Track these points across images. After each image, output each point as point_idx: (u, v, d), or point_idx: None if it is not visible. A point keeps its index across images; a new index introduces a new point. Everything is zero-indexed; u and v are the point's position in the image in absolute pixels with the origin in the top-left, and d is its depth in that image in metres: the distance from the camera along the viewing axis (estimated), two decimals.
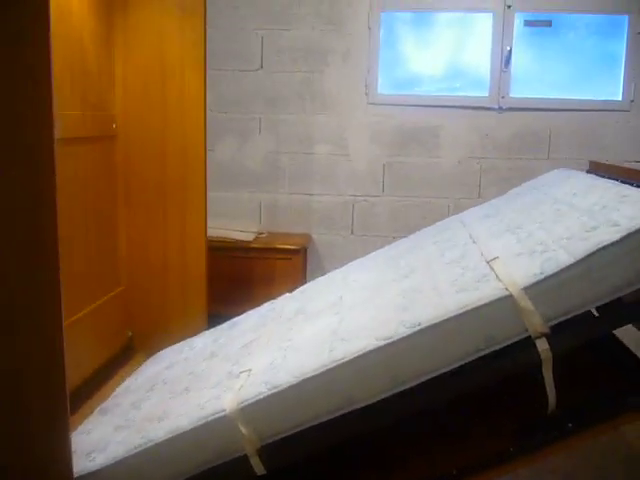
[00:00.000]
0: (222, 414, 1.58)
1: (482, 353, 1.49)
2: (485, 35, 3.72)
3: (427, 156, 3.81)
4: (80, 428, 1.96)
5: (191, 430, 1.60)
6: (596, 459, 2.59)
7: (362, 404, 1.53)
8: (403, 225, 3.73)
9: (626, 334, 1.89)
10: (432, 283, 1.76)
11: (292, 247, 3.65)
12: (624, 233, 1.43)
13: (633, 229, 1.43)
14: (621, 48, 3.68)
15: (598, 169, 2.28)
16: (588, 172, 2.33)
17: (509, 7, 3.66)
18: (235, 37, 3.79)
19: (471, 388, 1.56)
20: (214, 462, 1.59)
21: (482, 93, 3.76)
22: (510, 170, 3.71)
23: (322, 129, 3.83)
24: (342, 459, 1.82)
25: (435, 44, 3.85)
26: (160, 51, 2.80)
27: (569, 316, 1.47)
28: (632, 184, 1.76)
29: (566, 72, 3.77)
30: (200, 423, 1.60)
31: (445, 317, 1.51)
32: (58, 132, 1.41)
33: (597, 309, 1.52)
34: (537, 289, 1.47)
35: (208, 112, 2.87)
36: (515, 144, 3.75)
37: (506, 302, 1.48)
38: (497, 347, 1.49)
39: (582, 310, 1.48)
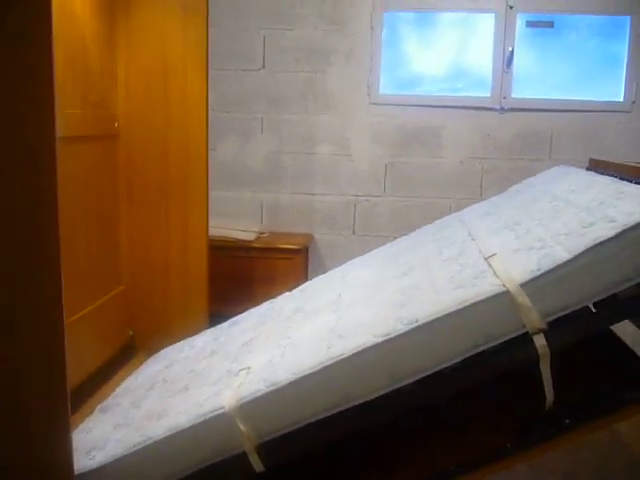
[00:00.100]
0: (221, 411, 1.59)
1: (480, 349, 1.50)
2: (487, 36, 3.72)
3: (429, 156, 3.81)
4: (80, 427, 1.96)
5: (190, 428, 1.60)
6: (596, 459, 2.59)
7: (360, 401, 1.53)
8: (405, 225, 3.73)
9: (623, 330, 1.90)
10: (430, 280, 1.76)
11: (294, 247, 3.65)
12: (620, 229, 1.43)
13: (630, 225, 1.43)
14: (623, 49, 3.68)
15: (597, 166, 2.28)
16: (588, 169, 2.33)
17: (511, 8, 3.67)
18: (237, 37, 3.79)
19: (469, 384, 1.56)
20: (213, 459, 1.60)
21: (484, 93, 3.76)
22: (512, 170, 3.71)
23: (324, 129, 3.83)
24: (341, 456, 1.83)
25: (437, 44, 3.85)
26: (162, 50, 2.80)
27: (566, 312, 1.48)
28: (631, 181, 1.76)
29: (568, 73, 3.77)
30: (199, 421, 1.60)
31: (442, 313, 1.51)
32: (60, 131, 1.42)
33: (594, 305, 1.52)
34: (534, 285, 1.47)
35: (210, 111, 2.88)
36: (517, 145, 3.75)
37: (503, 298, 1.48)
38: (495, 343, 1.49)
39: (579, 306, 1.48)
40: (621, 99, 3.70)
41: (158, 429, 1.66)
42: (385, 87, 3.81)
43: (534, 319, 1.47)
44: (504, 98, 3.74)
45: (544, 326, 1.47)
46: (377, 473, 1.79)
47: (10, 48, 1.37)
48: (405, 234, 2.59)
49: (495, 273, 1.57)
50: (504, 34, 3.69)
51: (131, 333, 2.96)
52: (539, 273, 1.48)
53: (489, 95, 3.75)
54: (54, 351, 1.46)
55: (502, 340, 1.49)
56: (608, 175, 1.97)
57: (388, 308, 1.69)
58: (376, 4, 3.73)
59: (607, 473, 2.55)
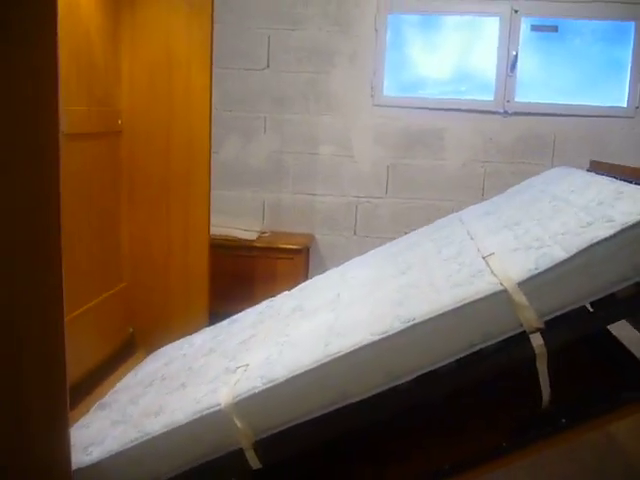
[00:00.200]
0: (217, 408, 1.59)
1: (477, 348, 1.50)
2: (491, 39, 3.72)
3: (431, 159, 3.82)
4: (79, 423, 1.97)
5: (187, 424, 1.60)
6: (593, 462, 2.59)
7: (357, 399, 1.53)
8: (406, 227, 3.73)
9: (621, 330, 1.90)
10: (428, 279, 1.77)
11: (294, 247, 3.65)
12: (618, 228, 1.44)
13: (627, 224, 1.44)
14: (627, 55, 3.68)
15: (598, 168, 2.29)
16: (588, 171, 2.33)
17: (516, 12, 3.67)
18: (242, 36, 3.79)
19: (466, 383, 1.56)
20: (210, 456, 1.60)
21: (487, 97, 3.76)
22: (514, 174, 3.71)
23: (327, 130, 3.84)
24: (338, 454, 1.83)
25: (441, 47, 3.85)
26: (167, 48, 2.80)
27: (564, 311, 1.48)
28: (631, 182, 1.76)
29: (572, 77, 3.77)
30: (195, 417, 1.60)
31: (439, 312, 1.51)
32: (63, 127, 1.42)
33: (592, 304, 1.52)
34: (531, 284, 1.47)
35: (213, 110, 2.88)
36: (519, 148, 3.75)
37: (500, 297, 1.49)
38: (492, 342, 1.50)
39: (577, 305, 1.48)
40: (624, 104, 3.70)
41: (155, 425, 1.66)
42: (389, 89, 3.82)
43: (531, 318, 1.47)
44: (507, 102, 3.74)
45: (541, 325, 1.47)
46: (374, 471, 1.80)
47: (15, 44, 1.37)
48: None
49: (493, 272, 1.58)
50: (508, 38, 3.69)
51: (131, 330, 2.96)
52: (536, 272, 1.48)
53: (492, 98, 3.75)
54: (54, 347, 1.47)
55: (499, 339, 1.50)
56: (608, 176, 1.97)
57: (386, 306, 1.69)
58: (381, 6, 3.73)
59: (604, 477, 2.55)
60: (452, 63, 3.84)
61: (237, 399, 1.58)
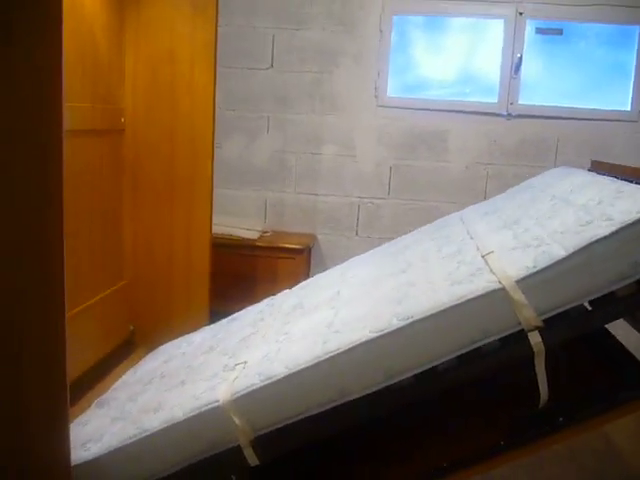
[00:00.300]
0: (215, 405, 1.59)
1: (475, 346, 1.50)
2: (496, 41, 3.72)
3: (434, 160, 3.81)
4: (77, 419, 1.97)
5: (185, 420, 1.60)
6: (592, 465, 2.59)
7: (355, 396, 1.53)
8: (408, 228, 3.70)
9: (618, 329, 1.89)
10: (427, 277, 1.76)
11: (296, 247, 3.65)
12: (617, 227, 1.44)
13: (626, 223, 1.43)
14: (631, 59, 3.67)
15: (599, 168, 2.29)
16: (589, 171, 2.33)
17: (521, 14, 3.66)
18: (246, 35, 3.80)
19: (464, 381, 1.56)
20: (208, 452, 1.60)
21: (491, 99, 3.76)
22: (517, 177, 3.70)
23: (330, 130, 3.84)
24: (336, 452, 1.83)
25: (446, 49, 3.85)
26: (170, 47, 2.81)
27: (562, 309, 1.47)
28: (632, 182, 1.75)
29: (575, 81, 3.76)
30: (194, 413, 1.60)
31: (437, 310, 1.51)
32: (67, 124, 1.42)
33: (590, 303, 1.52)
34: (530, 282, 1.47)
35: (217, 109, 2.88)
36: (522, 151, 3.75)
37: (499, 295, 1.48)
38: (490, 340, 1.49)
39: (575, 303, 1.48)
40: (628, 108, 3.70)
41: (154, 422, 1.66)
42: (392, 90, 3.82)
43: (529, 316, 1.47)
44: (511, 104, 3.74)
45: (539, 323, 1.47)
46: (373, 470, 1.80)
47: (20, 41, 1.37)
48: None
49: (491, 270, 1.57)
50: (513, 40, 3.69)
51: (132, 328, 2.96)
52: (535, 270, 1.48)
53: (496, 101, 3.75)
54: (55, 344, 1.47)
55: (498, 337, 1.49)
56: (609, 176, 1.97)
57: (385, 304, 1.69)
58: (386, 7, 3.73)
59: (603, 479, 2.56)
60: (456, 65, 3.84)
61: (235, 396, 1.58)
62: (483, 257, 1.70)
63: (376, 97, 3.80)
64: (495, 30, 3.73)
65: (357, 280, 2.12)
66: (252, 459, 1.57)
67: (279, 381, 1.56)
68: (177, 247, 2.92)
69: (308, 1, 3.75)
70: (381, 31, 3.75)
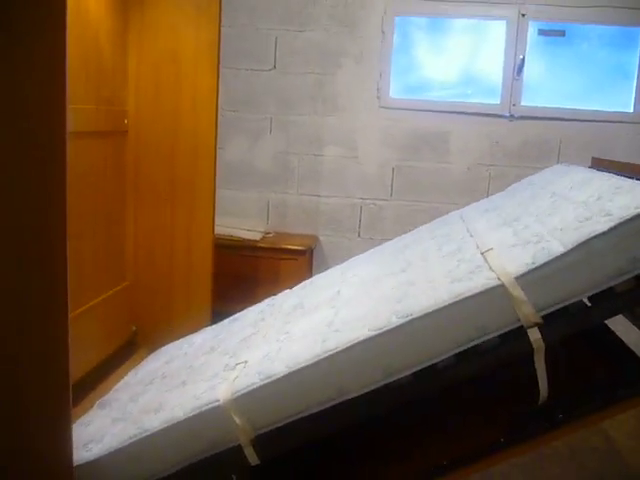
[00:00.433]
0: (216, 404, 1.59)
1: (475, 343, 1.49)
2: (498, 43, 3.72)
3: (437, 161, 3.82)
4: (79, 420, 1.97)
5: (185, 420, 1.60)
6: (593, 465, 2.59)
7: (354, 394, 1.53)
8: (410, 229, 3.71)
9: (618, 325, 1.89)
10: (427, 275, 1.76)
11: (298, 248, 3.66)
12: (616, 222, 1.43)
13: (625, 218, 1.43)
14: (634, 60, 3.67)
15: (599, 165, 2.28)
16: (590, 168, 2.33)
17: (523, 15, 3.66)
18: (249, 37, 3.80)
19: (464, 378, 1.55)
20: (209, 452, 1.60)
21: (494, 100, 3.76)
22: (519, 178, 3.66)
23: (333, 131, 3.84)
24: (337, 453, 1.83)
25: (448, 50, 3.85)
26: (174, 48, 2.81)
27: (561, 305, 1.47)
28: (632, 178, 1.74)
29: (578, 82, 3.76)
30: (194, 413, 1.60)
31: (437, 307, 1.51)
32: (70, 126, 1.43)
33: (589, 299, 1.51)
34: (529, 278, 1.47)
35: (219, 110, 2.88)
36: (525, 152, 3.75)
37: (498, 292, 1.48)
38: (490, 337, 1.49)
39: (574, 299, 1.47)
40: (631, 110, 3.70)
41: (154, 422, 1.66)
42: (395, 91, 3.82)
43: (529, 312, 1.47)
44: (514, 105, 3.74)
45: (539, 320, 1.47)
46: (372, 469, 1.80)
47: (24, 43, 1.38)
48: None
49: (491, 267, 1.57)
50: (515, 42, 3.69)
51: (134, 329, 2.97)
52: (534, 266, 1.47)
53: (499, 102, 3.75)
54: (58, 345, 1.47)
55: (497, 334, 1.49)
56: (609, 173, 1.96)
57: (385, 303, 1.69)
58: (388, 8, 3.73)
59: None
60: (459, 66, 3.85)
61: (236, 395, 1.58)
62: (482, 254, 1.69)
63: (378, 98, 3.80)
64: (497, 31, 3.73)
65: (357, 280, 2.12)
66: (253, 458, 1.57)
67: (279, 380, 1.56)
68: (179, 248, 2.92)
69: (311, 2, 3.76)
70: (383, 32, 3.75)
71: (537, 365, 1.49)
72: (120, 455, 1.65)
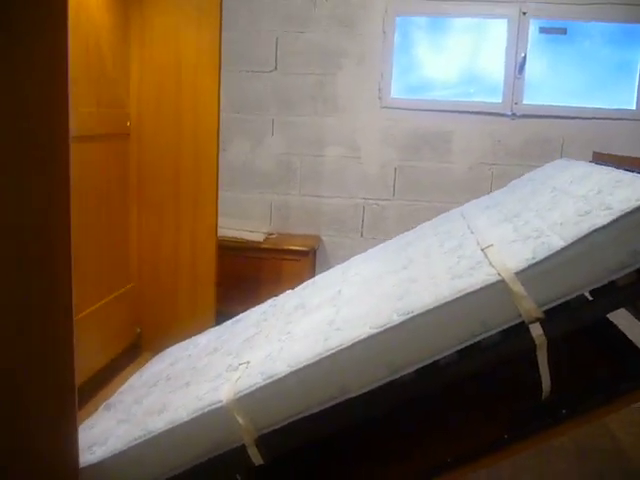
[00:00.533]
0: (219, 405, 1.59)
1: (476, 339, 1.49)
2: (500, 41, 3.72)
3: (439, 161, 3.81)
4: (84, 424, 1.97)
5: (189, 421, 1.61)
6: (598, 466, 2.59)
7: (357, 393, 1.53)
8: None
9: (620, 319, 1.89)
10: (428, 272, 1.76)
11: (301, 248, 3.66)
12: (616, 215, 1.43)
13: (625, 211, 1.42)
14: (636, 57, 3.66)
15: (601, 159, 2.28)
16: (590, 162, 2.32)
17: (524, 14, 3.66)
18: (250, 38, 3.80)
19: (466, 374, 1.55)
20: (212, 453, 1.60)
21: (495, 99, 3.76)
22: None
23: (334, 132, 3.84)
24: (337, 453, 1.83)
25: (449, 49, 3.85)
26: (175, 51, 2.82)
27: (563, 300, 1.46)
28: (632, 171, 1.73)
29: (580, 80, 3.76)
30: (197, 414, 1.60)
31: (437, 304, 1.51)
32: (73, 129, 1.43)
33: (591, 293, 1.51)
34: (529, 273, 1.47)
35: (221, 112, 2.89)
36: (527, 151, 3.74)
37: (498, 287, 1.48)
38: (491, 333, 1.49)
39: (575, 294, 1.47)
40: (633, 107, 3.69)
41: (158, 423, 1.66)
42: (396, 91, 3.82)
43: (530, 308, 1.46)
44: (515, 104, 3.73)
45: (540, 315, 1.46)
46: (371, 467, 1.80)
47: (26, 47, 1.38)
48: None
49: (491, 263, 1.57)
50: (517, 40, 3.68)
51: (139, 331, 2.97)
52: (534, 261, 1.47)
53: (500, 101, 3.75)
54: (63, 347, 1.48)
55: (499, 329, 1.49)
56: (609, 166, 1.95)
57: (386, 300, 1.69)
58: (389, 8, 3.73)
59: None
60: (460, 65, 3.84)
61: (238, 395, 1.58)
62: (483, 250, 1.69)
63: (380, 98, 3.80)
64: (499, 30, 3.72)
65: (359, 278, 2.12)
66: (256, 458, 1.58)
67: (281, 379, 1.56)
68: (183, 250, 2.93)
69: (311, 3, 3.76)
70: (384, 32, 3.75)
71: (539, 360, 1.48)
72: (124, 457, 1.65)
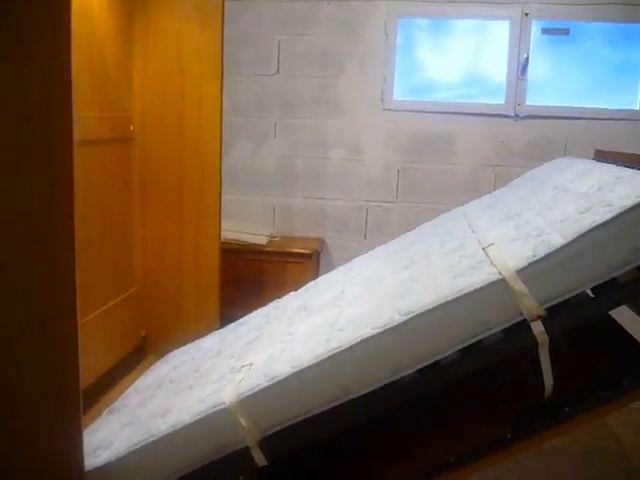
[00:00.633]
0: (222, 407, 1.59)
1: (478, 338, 1.49)
2: (502, 42, 3.72)
3: (442, 163, 3.81)
4: (89, 428, 1.98)
5: (192, 423, 1.61)
6: (596, 464, 2.58)
7: (359, 393, 1.53)
8: None
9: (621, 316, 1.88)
10: (430, 272, 1.76)
11: (305, 251, 3.66)
12: (616, 212, 1.42)
13: (625, 208, 1.42)
14: (639, 57, 3.66)
15: (602, 157, 2.27)
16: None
17: (526, 15, 3.66)
18: (252, 41, 3.81)
19: (468, 373, 1.55)
20: (216, 455, 1.60)
21: (498, 100, 3.75)
22: None
23: (337, 134, 3.84)
24: (337, 452, 1.83)
25: (452, 51, 3.85)
26: (178, 55, 2.82)
27: (564, 298, 1.46)
28: (632, 168, 1.72)
29: (583, 81, 3.75)
30: (200, 416, 1.60)
31: (439, 303, 1.50)
32: (77, 134, 1.44)
33: (592, 290, 1.50)
34: (530, 271, 1.46)
35: (224, 115, 2.89)
36: (530, 152, 3.74)
37: (499, 286, 1.47)
38: (493, 331, 1.48)
39: (577, 291, 1.46)
40: (637, 107, 3.68)
41: (161, 426, 1.67)
42: (399, 93, 3.82)
43: (531, 306, 1.46)
44: (518, 105, 3.73)
45: (542, 313, 1.46)
46: (372, 467, 1.79)
47: (30, 52, 1.39)
48: None
49: (492, 262, 1.57)
50: (519, 41, 3.68)
51: (143, 334, 2.97)
52: (534, 259, 1.47)
53: (503, 102, 3.75)
54: (68, 351, 1.48)
55: (500, 328, 1.48)
56: (610, 164, 1.94)
57: (388, 301, 1.69)
58: (390, 10, 3.74)
59: None
60: (462, 67, 3.84)
61: (241, 397, 1.58)
62: (484, 249, 1.69)
63: (382, 100, 3.80)
64: (501, 31, 3.72)
65: (361, 279, 2.12)
66: (260, 459, 1.58)
67: (284, 380, 1.56)
68: (187, 253, 2.93)
69: (313, 6, 3.76)
70: (386, 34, 3.76)
71: (541, 359, 1.48)
72: (128, 460, 1.66)
